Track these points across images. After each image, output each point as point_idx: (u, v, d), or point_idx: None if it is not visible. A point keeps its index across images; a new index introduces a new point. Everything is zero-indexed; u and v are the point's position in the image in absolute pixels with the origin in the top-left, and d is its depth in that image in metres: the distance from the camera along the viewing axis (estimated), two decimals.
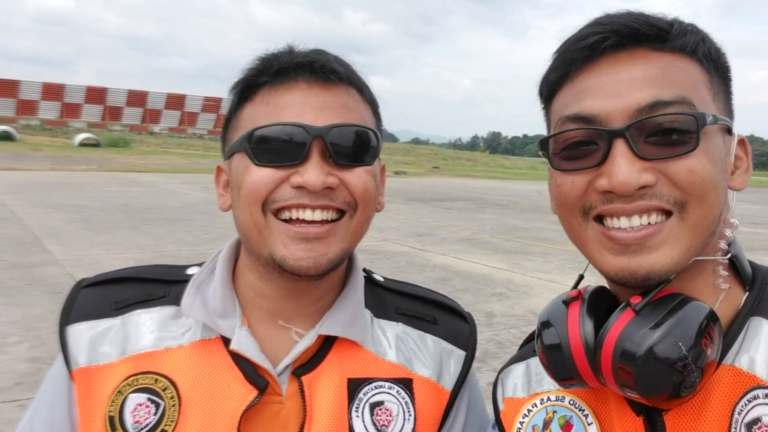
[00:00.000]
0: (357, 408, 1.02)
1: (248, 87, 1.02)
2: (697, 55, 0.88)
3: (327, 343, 1.05)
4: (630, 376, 0.81)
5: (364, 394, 1.03)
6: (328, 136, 0.96)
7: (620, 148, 0.83)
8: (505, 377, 1.14)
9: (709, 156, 0.84)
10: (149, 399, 0.97)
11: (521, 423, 1.05)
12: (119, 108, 76.14)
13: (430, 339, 1.12)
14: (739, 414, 0.83)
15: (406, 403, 1.05)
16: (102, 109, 75.49)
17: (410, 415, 1.04)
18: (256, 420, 0.98)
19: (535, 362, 1.10)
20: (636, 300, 0.85)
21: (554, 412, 1.02)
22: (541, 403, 1.05)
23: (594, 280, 0.99)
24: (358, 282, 1.11)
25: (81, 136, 53.60)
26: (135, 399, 0.97)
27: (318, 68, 1.00)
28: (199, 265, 1.13)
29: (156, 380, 0.99)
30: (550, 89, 0.95)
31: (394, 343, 1.09)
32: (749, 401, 0.83)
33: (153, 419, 0.96)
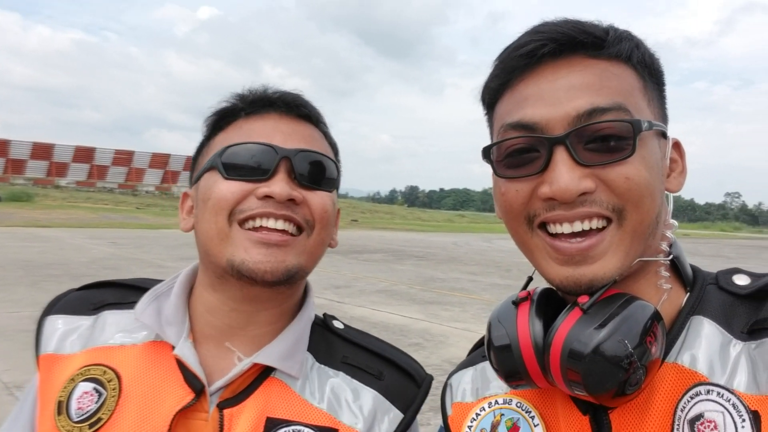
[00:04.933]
0: None
1: (223, 117, 1.10)
2: (631, 61, 0.91)
3: (260, 378, 1.05)
4: (578, 375, 0.82)
5: None
6: (294, 158, 1.03)
7: (561, 155, 0.85)
8: (454, 382, 1.14)
9: (645, 162, 0.87)
10: (94, 388, 1.02)
11: (469, 427, 1.05)
12: (22, 161, 72.53)
13: (369, 393, 1.10)
14: (682, 411, 0.85)
15: None
16: (4, 162, 71.88)
17: None
18: (183, 426, 1.00)
19: (483, 366, 1.10)
20: (583, 300, 0.86)
21: (502, 414, 1.02)
22: (489, 407, 1.05)
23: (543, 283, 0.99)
24: (305, 320, 1.13)
25: None
26: (83, 387, 1.03)
27: (290, 101, 1.09)
28: None
29: (104, 372, 1.04)
30: (491, 96, 0.97)
31: (328, 391, 1.08)
32: (692, 398, 0.85)
33: (94, 407, 1.00)
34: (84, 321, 1.13)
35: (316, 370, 1.11)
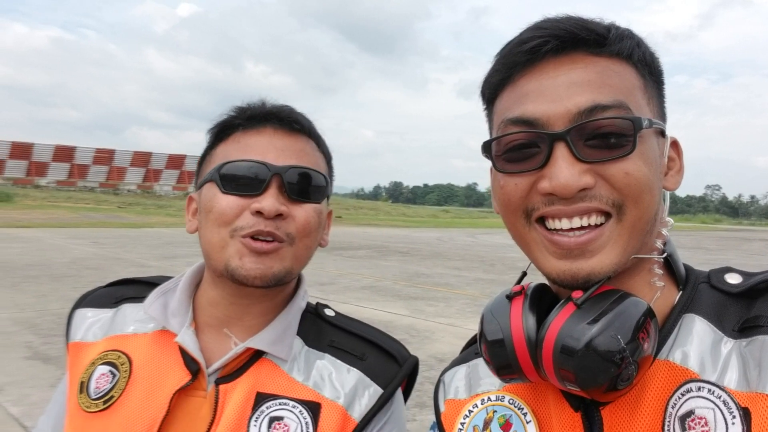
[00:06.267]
0: (257, 419, 1.14)
1: (223, 129, 1.22)
2: (632, 59, 0.91)
3: (252, 360, 1.19)
4: (570, 369, 0.82)
5: (267, 408, 1.15)
6: (285, 174, 1.15)
7: (561, 151, 0.85)
8: (447, 379, 1.15)
9: (644, 158, 0.87)
10: (110, 371, 1.19)
11: (462, 424, 1.05)
12: (1, 161, 71.60)
13: (351, 372, 1.22)
14: (672, 407, 0.85)
15: (306, 423, 1.15)
16: None
17: None
18: (185, 402, 1.15)
19: (475, 363, 1.11)
20: (577, 295, 0.86)
21: (494, 411, 1.03)
22: (481, 404, 1.05)
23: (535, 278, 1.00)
24: (294, 310, 1.27)
25: None
26: (101, 370, 1.20)
27: (284, 117, 1.20)
28: None
29: (119, 356, 1.21)
30: (492, 91, 0.97)
31: (314, 370, 1.21)
32: (683, 395, 0.85)
33: (108, 386, 1.17)
34: (106, 313, 1.31)
35: (305, 353, 1.23)
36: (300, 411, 1.15)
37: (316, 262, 17.61)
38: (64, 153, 74.10)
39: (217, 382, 1.17)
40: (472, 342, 1.18)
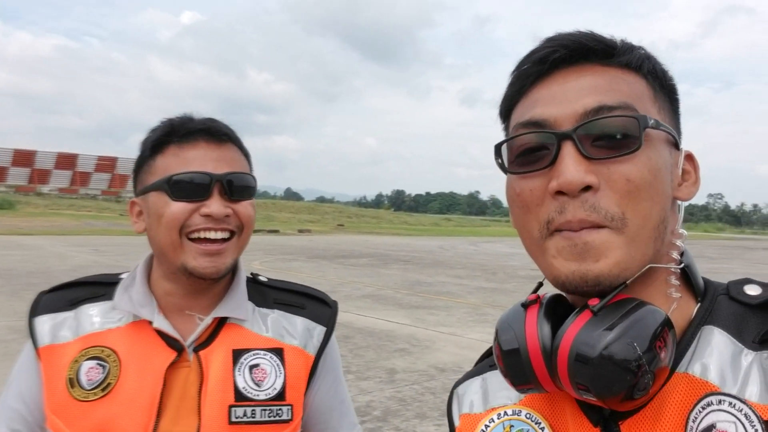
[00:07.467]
0: (239, 369, 1.40)
1: (159, 143, 1.40)
2: (642, 70, 0.92)
3: (219, 326, 1.43)
4: (585, 377, 0.81)
5: (245, 359, 1.41)
6: (225, 180, 1.37)
7: (568, 149, 0.87)
8: (461, 392, 1.14)
9: (650, 163, 0.87)
10: (98, 363, 1.36)
11: None
12: (4, 168, 71.62)
13: (299, 320, 1.51)
14: (693, 421, 0.84)
15: (277, 364, 1.44)
16: None
17: (281, 373, 1.44)
18: (175, 376, 1.36)
19: (490, 376, 1.11)
20: (594, 302, 0.86)
21: (511, 426, 1.02)
22: (498, 418, 1.04)
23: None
24: (241, 281, 1.52)
25: None
26: (87, 365, 1.36)
27: (213, 132, 1.42)
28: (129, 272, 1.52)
29: (102, 351, 1.37)
30: (507, 105, 0.99)
31: (270, 324, 1.48)
32: (703, 408, 0.83)
33: (101, 376, 1.35)
34: (67, 314, 1.44)
35: (258, 313, 1.50)
36: (270, 357, 1.44)
37: (318, 270, 17.63)
38: (66, 160, 74.35)
39: (196, 350, 1.39)
40: (487, 354, 1.17)
